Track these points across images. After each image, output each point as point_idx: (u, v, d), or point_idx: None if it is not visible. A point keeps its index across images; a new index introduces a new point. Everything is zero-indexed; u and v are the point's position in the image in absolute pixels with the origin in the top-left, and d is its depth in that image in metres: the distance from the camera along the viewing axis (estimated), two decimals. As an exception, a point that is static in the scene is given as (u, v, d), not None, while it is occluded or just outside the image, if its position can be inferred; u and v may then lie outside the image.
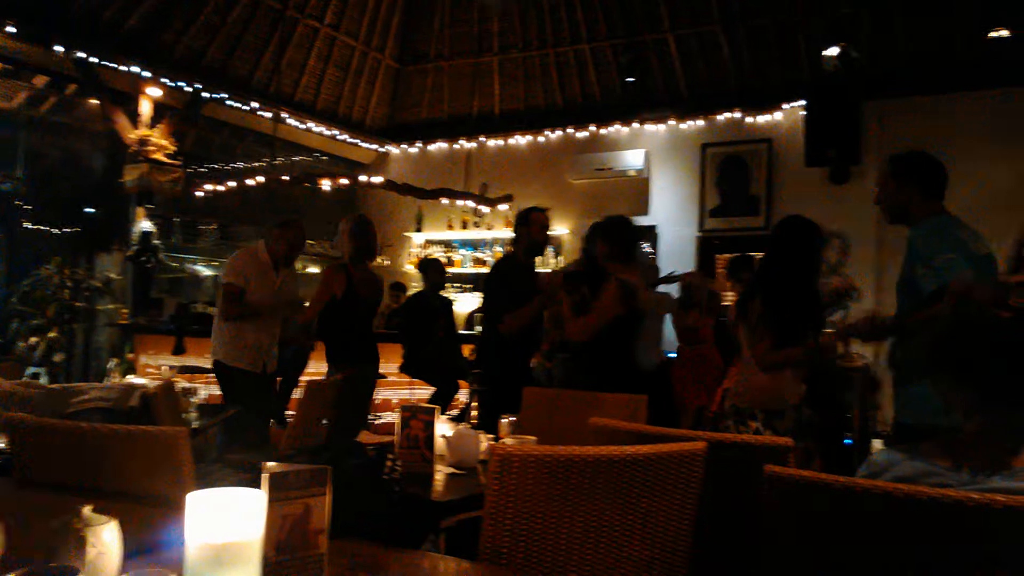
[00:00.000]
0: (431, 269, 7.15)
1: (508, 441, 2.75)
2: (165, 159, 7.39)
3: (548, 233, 5.07)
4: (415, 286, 8.59)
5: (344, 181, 7.88)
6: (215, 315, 5.00)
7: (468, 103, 9.72)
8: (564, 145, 9.22)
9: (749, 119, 8.29)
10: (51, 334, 7.40)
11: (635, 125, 8.86)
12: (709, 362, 6.02)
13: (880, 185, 3.14)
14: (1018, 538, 1.21)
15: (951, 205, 3.02)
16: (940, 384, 1.50)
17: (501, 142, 9.62)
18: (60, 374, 7.37)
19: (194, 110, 8.05)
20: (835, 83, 7.30)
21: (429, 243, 9.95)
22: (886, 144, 7.48)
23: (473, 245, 9.65)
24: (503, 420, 3.09)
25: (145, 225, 7.43)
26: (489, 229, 9.47)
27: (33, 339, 7.37)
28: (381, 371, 5.48)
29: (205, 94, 7.94)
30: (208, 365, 5.17)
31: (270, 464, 1.20)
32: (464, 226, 9.71)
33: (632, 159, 8.69)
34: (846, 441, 5.62)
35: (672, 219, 8.64)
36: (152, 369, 6.25)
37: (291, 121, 8.92)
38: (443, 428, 2.80)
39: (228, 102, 8.21)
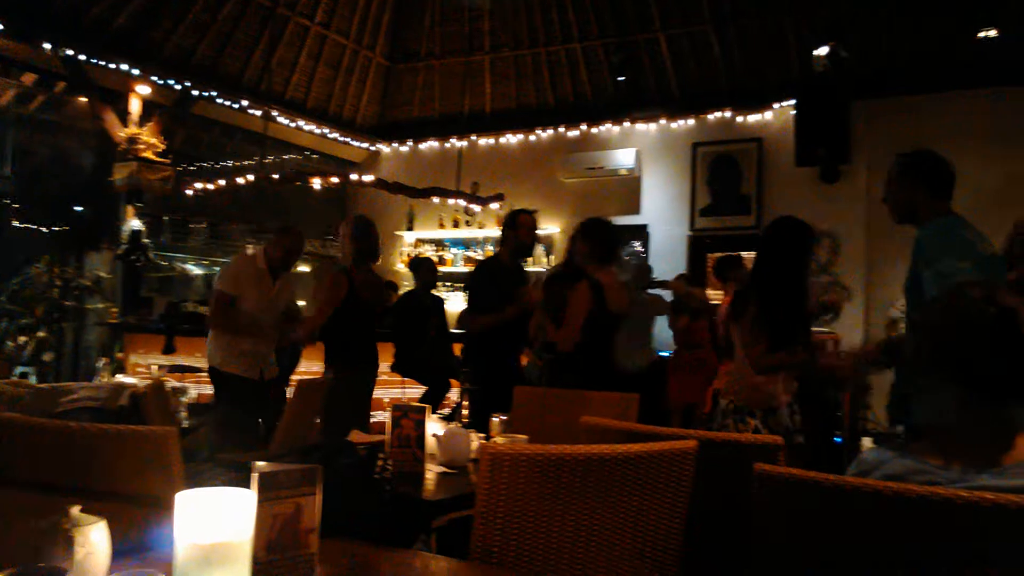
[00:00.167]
0: (422, 268, 7.14)
1: (499, 440, 2.75)
2: (154, 157, 7.35)
3: (536, 234, 5.10)
4: (406, 285, 8.58)
5: (335, 180, 7.86)
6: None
7: (459, 102, 9.71)
8: (555, 144, 9.22)
9: (740, 118, 8.32)
10: (40, 333, 7.37)
11: (626, 124, 8.87)
12: (708, 366, 6.02)
13: (887, 184, 3.13)
14: (1007, 536, 1.22)
15: (942, 205, 3.03)
16: (929, 381, 1.50)
17: (492, 141, 9.62)
18: (49, 373, 7.34)
19: (184, 108, 8.02)
20: (825, 83, 7.33)
21: (420, 242, 9.94)
22: (875, 143, 7.54)
23: (465, 244, 9.65)
24: (494, 419, 3.09)
25: (134, 224, 7.40)
26: (480, 228, 9.47)
27: (22, 338, 7.33)
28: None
29: (195, 92, 7.91)
30: (198, 364, 5.15)
31: (260, 464, 1.20)
32: (455, 225, 9.70)
33: (623, 158, 8.70)
34: (836, 439, 5.65)
35: (663, 218, 8.66)
36: (142, 368, 6.22)
37: (281, 119, 8.90)
38: (434, 427, 2.80)
39: (218, 100, 8.18)
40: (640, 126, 8.83)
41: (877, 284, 7.54)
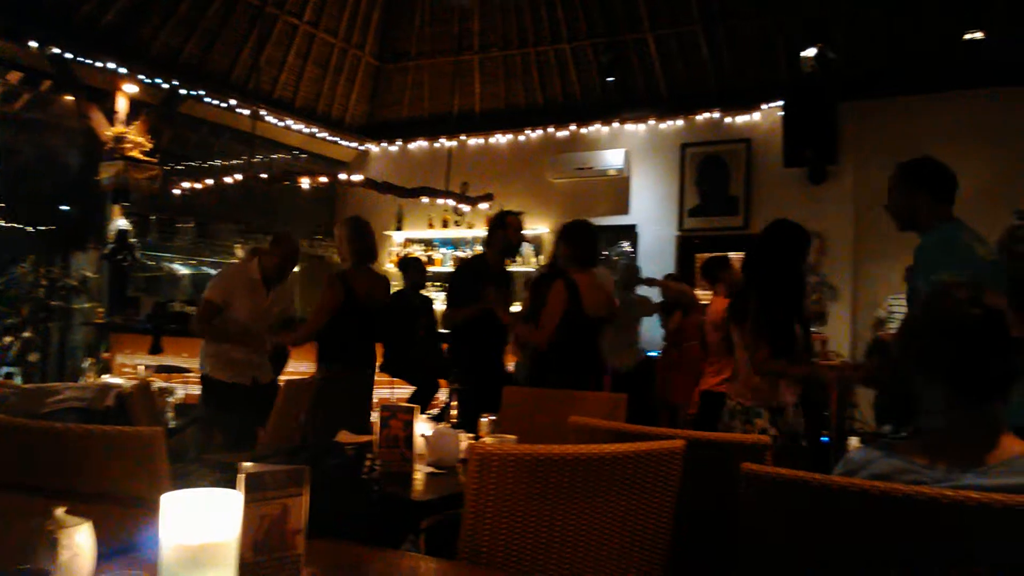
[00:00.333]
0: (411, 268, 7.13)
1: (488, 440, 2.75)
2: (142, 156, 7.31)
3: (523, 235, 5.20)
4: (395, 285, 8.54)
5: (324, 179, 7.84)
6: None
7: (448, 102, 9.69)
8: (544, 144, 9.23)
9: (728, 119, 8.34)
10: (26, 333, 7.31)
11: (615, 125, 8.88)
12: (698, 365, 6.03)
13: (888, 192, 3.13)
14: (992, 535, 1.23)
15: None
16: (913, 381, 1.51)
17: (482, 141, 9.61)
18: (35, 374, 7.28)
19: (171, 107, 7.97)
20: (813, 84, 7.36)
21: (409, 242, 9.92)
22: (863, 145, 7.59)
23: (454, 244, 9.64)
24: (483, 419, 3.09)
25: (121, 223, 7.35)
26: (470, 228, 9.46)
27: (7, 338, 7.27)
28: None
29: (182, 91, 7.86)
30: (185, 365, 5.12)
31: (247, 464, 1.19)
32: (445, 225, 9.70)
33: (612, 159, 8.71)
34: (823, 439, 5.67)
35: (652, 218, 8.68)
36: (128, 369, 6.19)
37: (270, 119, 8.86)
38: (423, 427, 2.79)
39: (206, 99, 8.14)
40: (629, 127, 8.84)
41: (864, 284, 7.58)
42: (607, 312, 4.62)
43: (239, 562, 1.12)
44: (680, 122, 8.60)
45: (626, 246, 8.68)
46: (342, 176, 8.13)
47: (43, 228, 8.21)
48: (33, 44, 6.78)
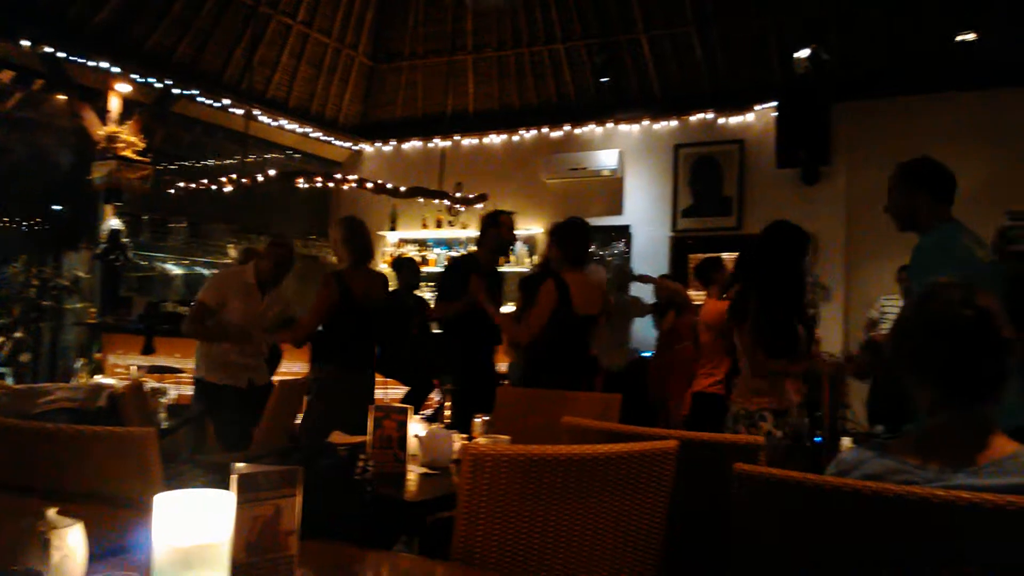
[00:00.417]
0: (405, 268, 7.12)
1: (481, 441, 2.75)
2: (134, 156, 7.28)
3: (514, 235, 5.22)
4: (390, 285, 8.54)
5: (317, 179, 7.82)
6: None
7: (442, 102, 9.69)
8: (538, 145, 9.23)
9: (721, 120, 8.36)
10: (17, 334, 7.28)
11: (609, 125, 8.90)
12: (691, 365, 6.03)
13: (888, 192, 3.13)
14: (983, 535, 1.23)
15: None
16: (904, 381, 1.52)
17: (475, 141, 9.61)
18: (26, 374, 7.25)
19: (164, 106, 7.95)
20: (806, 85, 7.38)
21: (403, 242, 9.91)
22: (856, 145, 7.62)
23: (447, 244, 9.63)
24: (476, 420, 3.09)
25: (114, 223, 7.32)
26: (463, 228, 9.45)
27: (-1, 338, 7.25)
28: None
29: (175, 90, 7.84)
30: (177, 365, 5.10)
31: (239, 465, 1.19)
32: (438, 225, 9.68)
33: (606, 159, 8.73)
34: (816, 440, 5.69)
35: (645, 219, 8.69)
36: (121, 369, 6.17)
37: (263, 118, 8.84)
38: (416, 428, 2.79)
39: (199, 99, 8.12)
40: (623, 127, 8.86)
41: (856, 285, 7.61)
42: (600, 310, 4.62)
43: (232, 563, 1.11)
44: (674, 123, 8.61)
45: (620, 247, 8.70)
46: (336, 176, 8.12)
47: (35, 227, 8.19)
48: (25, 43, 6.74)
